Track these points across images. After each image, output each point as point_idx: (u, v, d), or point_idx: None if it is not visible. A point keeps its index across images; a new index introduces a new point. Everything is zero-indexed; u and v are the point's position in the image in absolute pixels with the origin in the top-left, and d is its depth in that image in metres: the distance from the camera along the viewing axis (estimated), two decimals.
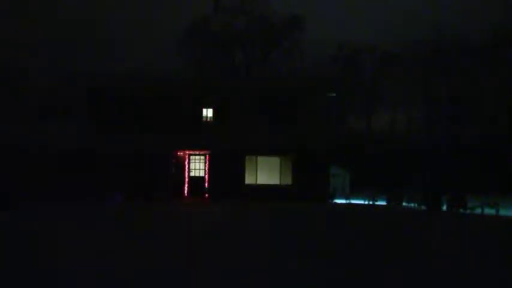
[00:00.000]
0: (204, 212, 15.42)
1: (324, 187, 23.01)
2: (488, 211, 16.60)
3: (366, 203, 23.16)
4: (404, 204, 20.90)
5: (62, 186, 21.72)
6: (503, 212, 16.26)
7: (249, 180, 22.82)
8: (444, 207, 17.80)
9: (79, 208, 16.54)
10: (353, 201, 24.46)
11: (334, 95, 24.49)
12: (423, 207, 18.87)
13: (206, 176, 22.83)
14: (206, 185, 22.74)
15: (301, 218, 13.39)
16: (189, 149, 22.76)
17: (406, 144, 45.28)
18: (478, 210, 17.00)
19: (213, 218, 13.45)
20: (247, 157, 22.92)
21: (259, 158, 22.99)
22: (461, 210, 17.14)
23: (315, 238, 8.86)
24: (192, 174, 22.88)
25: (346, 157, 39.59)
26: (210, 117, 23.23)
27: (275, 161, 23.09)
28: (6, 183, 20.86)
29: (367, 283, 5.06)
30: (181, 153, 22.80)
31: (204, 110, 23.21)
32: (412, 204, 20.10)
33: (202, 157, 23.01)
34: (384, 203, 22.19)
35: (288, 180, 22.98)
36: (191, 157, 22.99)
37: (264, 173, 22.94)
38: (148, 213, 14.69)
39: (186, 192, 22.61)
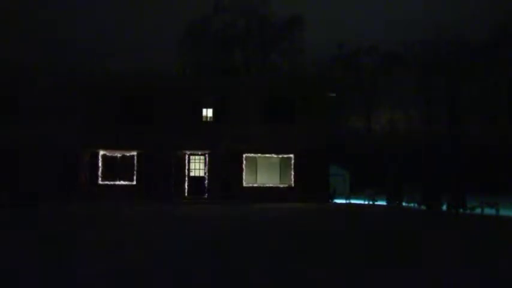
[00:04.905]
0: (203, 212, 15.43)
1: (324, 187, 23.01)
2: (488, 211, 16.60)
3: (366, 203, 23.17)
4: (404, 204, 20.91)
5: (63, 185, 21.74)
6: (503, 212, 16.26)
7: (249, 180, 22.83)
8: (444, 207, 17.81)
9: (79, 208, 16.55)
10: (353, 201, 24.47)
11: (334, 95, 24.49)
12: (423, 207, 18.89)
13: (206, 176, 22.83)
14: (206, 185, 22.74)
15: (300, 218, 13.41)
16: (189, 149, 22.76)
17: (406, 144, 45.28)
18: (478, 210, 17.00)
19: (212, 218, 13.47)
20: (247, 157, 22.92)
21: (259, 158, 22.99)
22: (461, 210, 17.14)
23: (314, 238, 8.86)
24: (192, 174, 22.87)
25: (346, 157, 39.61)
26: (210, 117, 23.24)
27: (275, 161, 23.10)
28: (5, 183, 20.87)
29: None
30: (181, 153, 22.80)
31: (204, 110, 23.22)
32: (412, 204, 20.12)
33: (202, 157, 23.01)
34: (383, 203, 22.21)
35: (287, 181, 22.98)
36: (191, 157, 22.99)
37: (264, 173, 22.94)
38: (149, 214, 14.69)
39: (186, 192, 22.60)
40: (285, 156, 23.06)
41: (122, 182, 22.26)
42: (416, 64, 48.49)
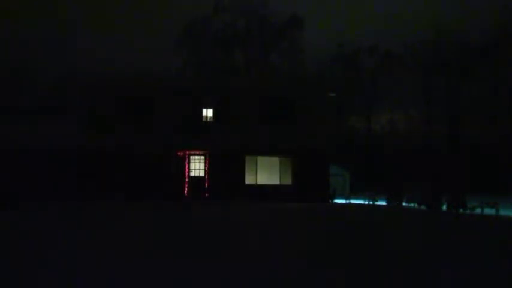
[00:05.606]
0: (204, 212, 15.43)
1: (324, 187, 23.00)
2: (488, 211, 16.59)
3: (366, 203, 23.17)
4: (404, 204, 20.91)
5: (63, 186, 21.76)
6: (503, 212, 16.25)
7: (249, 180, 22.82)
8: (444, 207, 17.81)
9: (79, 208, 16.54)
10: (353, 202, 24.46)
11: (334, 95, 24.50)
12: (423, 207, 18.89)
13: (206, 176, 22.81)
14: (206, 185, 22.73)
15: (299, 217, 13.42)
16: (189, 149, 22.76)
17: (406, 144, 45.31)
18: (478, 210, 16.99)
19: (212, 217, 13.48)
20: (247, 157, 22.91)
21: (259, 158, 22.98)
22: (461, 210, 17.14)
23: (312, 238, 8.86)
24: (192, 174, 22.86)
25: (346, 157, 39.63)
26: (210, 117, 23.24)
27: (275, 161, 23.08)
28: (5, 183, 20.90)
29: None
30: (181, 153, 22.79)
31: (204, 110, 23.21)
32: (412, 204, 20.12)
33: (202, 157, 23.00)
34: (383, 203, 22.21)
35: (288, 180, 22.97)
36: (191, 157, 22.98)
37: (264, 173, 22.94)
38: (149, 215, 14.69)
39: (186, 192, 22.59)
40: (285, 156, 23.04)
41: (122, 182, 22.23)
42: (416, 64, 48.52)
